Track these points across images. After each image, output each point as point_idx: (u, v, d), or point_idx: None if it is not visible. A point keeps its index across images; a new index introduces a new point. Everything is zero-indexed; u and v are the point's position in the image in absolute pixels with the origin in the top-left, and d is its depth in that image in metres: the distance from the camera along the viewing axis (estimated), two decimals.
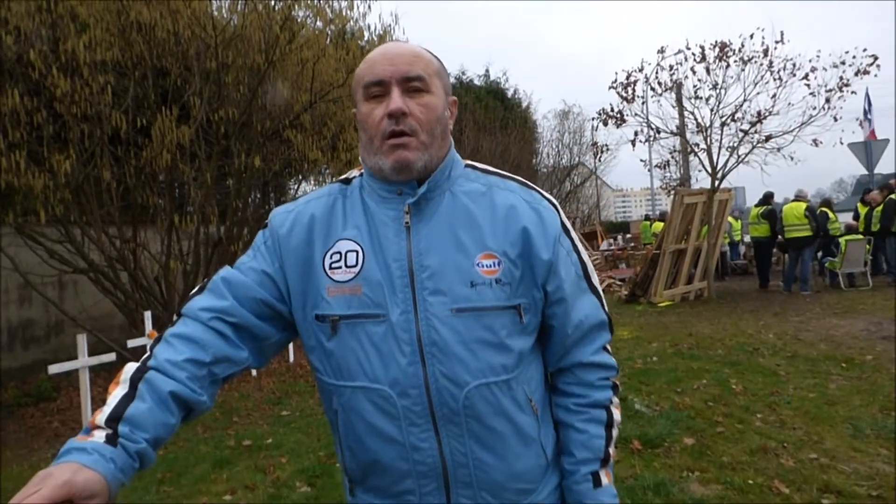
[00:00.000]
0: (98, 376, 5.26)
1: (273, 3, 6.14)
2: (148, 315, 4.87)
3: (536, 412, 0.99)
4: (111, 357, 4.35)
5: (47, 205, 4.80)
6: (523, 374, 0.97)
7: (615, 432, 1.05)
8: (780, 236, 9.82)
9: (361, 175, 1.04)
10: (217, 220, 6.41)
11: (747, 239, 12.13)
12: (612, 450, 1.04)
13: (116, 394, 0.83)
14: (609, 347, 1.07)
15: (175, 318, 0.97)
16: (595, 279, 1.06)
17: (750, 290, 10.35)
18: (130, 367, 0.87)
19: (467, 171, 1.04)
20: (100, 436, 0.77)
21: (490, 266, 0.93)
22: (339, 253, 0.96)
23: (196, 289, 1.00)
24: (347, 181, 1.06)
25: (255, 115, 6.26)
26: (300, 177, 8.77)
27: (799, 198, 9.52)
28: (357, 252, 0.95)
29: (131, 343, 4.59)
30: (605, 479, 1.01)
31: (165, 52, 5.77)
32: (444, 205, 0.97)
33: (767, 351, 5.66)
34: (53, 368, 3.96)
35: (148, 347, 0.92)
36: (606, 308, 1.06)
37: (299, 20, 6.58)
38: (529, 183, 1.06)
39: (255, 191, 7.53)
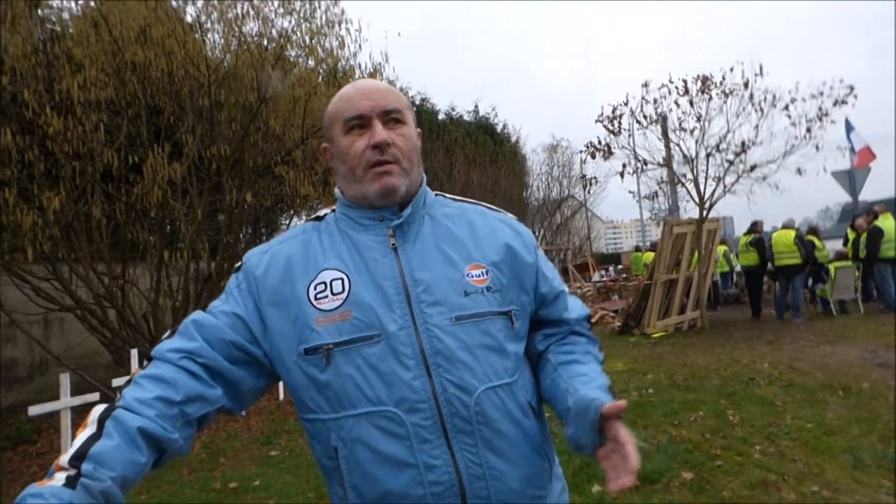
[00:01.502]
0: (81, 417, 5.09)
1: (265, 43, 6.27)
2: (134, 353, 4.78)
3: (537, 416, 1.01)
4: (95, 397, 4.23)
5: (35, 242, 4.76)
6: (521, 378, 1.00)
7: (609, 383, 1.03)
8: (770, 264, 9.89)
9: (334, 211, 1.07)
10: (207, 255, 6.37)
11: (738, 268, 12.20)
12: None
13: (83, 435, 0.81)
14: None
15: (146, 362, 0.96)
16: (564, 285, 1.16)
17: (743, 320, 10.34)
18: (98, 409, 0.85)
19: (439, 198, 1.11)
20: (60, 478, 0.74)
21: (479, 276, 0.98)
22: (325, 283, 0.96)
23: (167, 333, 1.00)
24: (319, 218, 1.08)
25: (247, 151, 6.30)
26: (292, 212, 8.79)
27: (787, 226, 9.64)
28: (342, 279, 0.96)
29: (116, 382, 4.48)
30: None
31: (159, 91, 5.85)
32: (425, 227, 1.03)
33: (763, 380, 5.61)
34: (34, 410, 3.84)
35: (118, 391, 0.90)
36: None
37: (291, 59, 6.72)
38: (495, 207, 1.16)
39: (247, 226, 7.53)
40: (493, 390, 0.94)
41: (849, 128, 12.65)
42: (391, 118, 0.99)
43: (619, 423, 0.87)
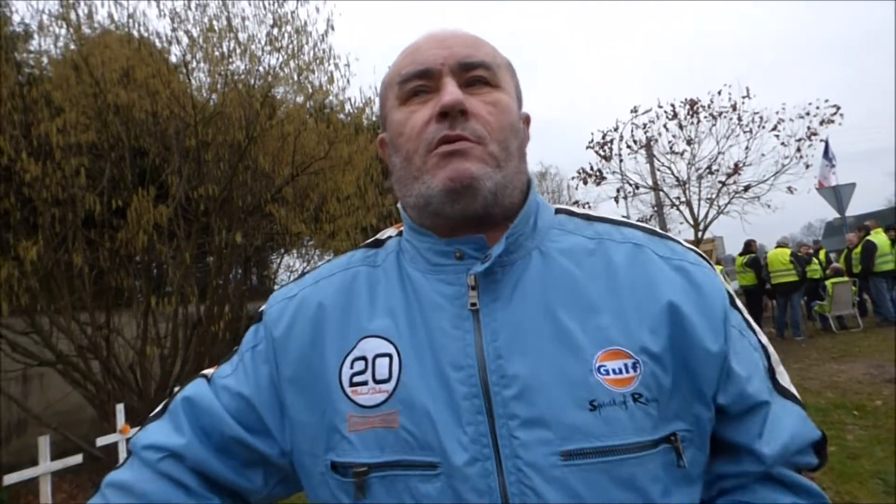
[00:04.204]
0: (63, 480, 4.77)
1: (253, 81, 6.20)
2: (120, 408, 4.49)
3: None
4: (77, 459, 3.93)
5: (12, 295, 4.53)
6: None
7: None
8: (766, 283, 9.90)
9: (400, 234, 0.72)
10: (196, 299, 6.15)
11: (736, 287, 12.22)
12: None
13: None
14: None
15: (126, 454, 0.70)
16: (785, 377, 0.68)
17: None
18: None
19: (560, 218, 0.69)
20: None
21: (620, 372, 0.56)
22: (365, 359, 0.61)
23: (157, 409, 0.72)
24: (378, 243, 0.73)
25: (235, 190, 6.16)
26: (283, 250, 8.61)
27: (782, 244, 9.69)
28: (391, 356, 0.60)
29: (101, 441, 4.19)
30: None
31: (143, 133, 5.72)
32: (531, 272, 0.62)
33: None
34: (11, 478, 3.54)
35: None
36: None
37: (279, 96, 6.65)
38: (660, 230, 0.69)
39: (237, 266, 7.33)
40: None
41: (828, 148, 12.95)
42: (475, 76, 0.62)
43: None
